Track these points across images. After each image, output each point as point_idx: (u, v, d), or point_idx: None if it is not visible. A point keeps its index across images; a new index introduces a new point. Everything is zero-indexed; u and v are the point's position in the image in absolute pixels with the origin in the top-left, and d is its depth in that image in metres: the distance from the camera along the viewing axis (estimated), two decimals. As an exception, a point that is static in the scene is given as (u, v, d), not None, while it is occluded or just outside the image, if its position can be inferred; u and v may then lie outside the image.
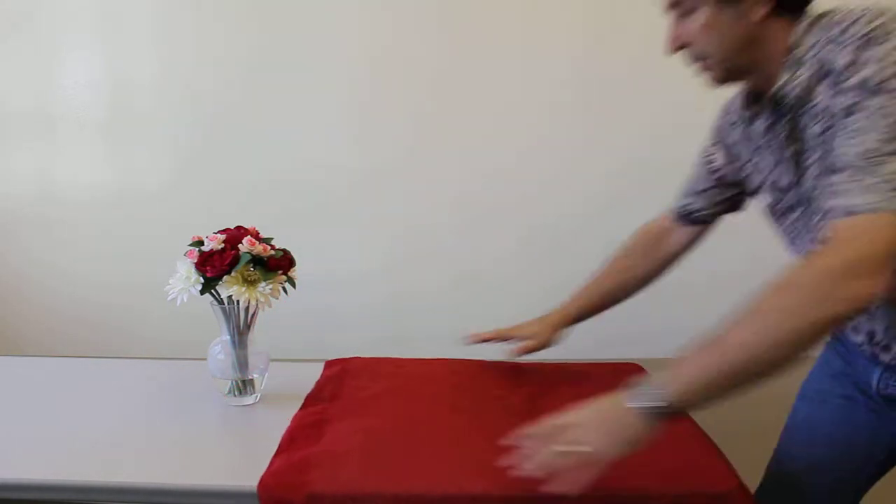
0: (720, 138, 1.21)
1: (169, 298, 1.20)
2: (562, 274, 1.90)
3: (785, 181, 1.06)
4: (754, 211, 1.20)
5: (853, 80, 0.88)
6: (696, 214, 1.29)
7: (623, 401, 0.90)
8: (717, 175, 1.23)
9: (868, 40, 0.88)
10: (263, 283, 1.21)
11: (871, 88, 0.86)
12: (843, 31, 0.91)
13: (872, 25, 0.88)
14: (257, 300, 1.19)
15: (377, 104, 1.88)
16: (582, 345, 1.45)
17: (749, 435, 1.38)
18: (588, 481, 0.88)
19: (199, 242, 1.23)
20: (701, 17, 0.97)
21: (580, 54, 1.80)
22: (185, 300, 1.19)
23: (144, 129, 1.92)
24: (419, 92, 1.87)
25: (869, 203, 0.83)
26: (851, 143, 0.87)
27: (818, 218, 1.01)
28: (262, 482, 0.96)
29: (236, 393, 1.27)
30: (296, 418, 1.17)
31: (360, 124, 1.89)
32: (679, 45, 1.02)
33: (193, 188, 1.93)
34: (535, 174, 1.88)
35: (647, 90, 1.79)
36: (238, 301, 1.20)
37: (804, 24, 0.96)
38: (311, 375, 1.40)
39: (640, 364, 1.47)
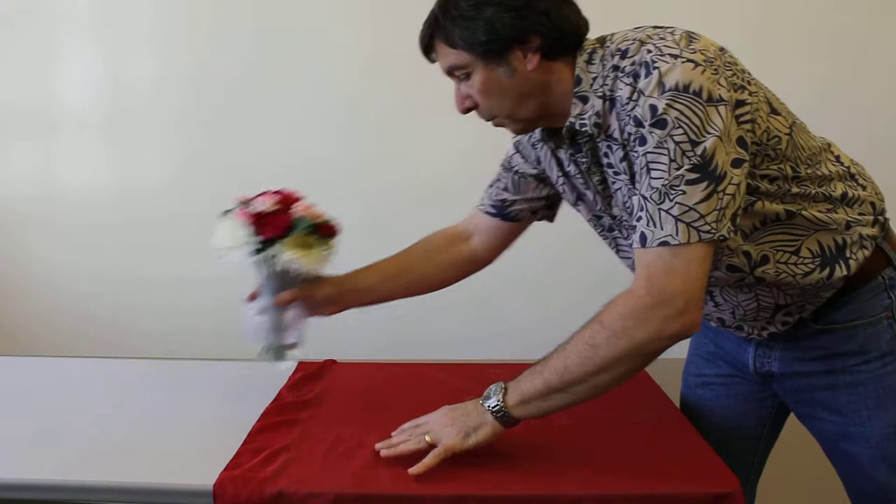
0: (522, 153, 1.21)
1: (217, 257, 1.16)
2: (563, 277, 1.91)
3: (596, 208, 1.10)
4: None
5: (633, 113, 0.91)
6: (511, 210, 1.25)
7: (474, 401, 1.02)
8: (523, 179, 1.22)
9: (636, 74, 0.91)
10: (319, 249, 1.18)
11: (651, 122, 0.89)
12: (622, 59, 0.94)
13: (640, 56, 0.91)
14: (313, 265, 1.17)
15: (378, 103, 1.88)
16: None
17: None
18: (433, 464, 0.97)
19: (247, 202, 1.19)
20: (477, 80, 0.99)
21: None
22: (236, 261, 1.15)
23: (144, 128, 1.92)
24: (420, 90, 1.86)
25: (658, 237, 0.89)
26: (643, 174, 0.91)
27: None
28: (220, 481, 0.96)
29: (274, 356, 1.25)
30: (261, 419, 1.17)
31: (360, 123, 1.89)
32: (467, 108, 1.04)
33: (193, 188, 1.94)
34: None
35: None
36: (277, 262, 1.17)
37: (583, 57, 0.98)
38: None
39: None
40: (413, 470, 0.97)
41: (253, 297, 1.25)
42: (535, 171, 1.20)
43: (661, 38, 0.92)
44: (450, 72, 1.03)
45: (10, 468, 1.02)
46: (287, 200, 1.18)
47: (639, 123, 0.90)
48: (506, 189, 1.25)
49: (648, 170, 0.90)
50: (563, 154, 1.09)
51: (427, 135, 1.89)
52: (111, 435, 1.14)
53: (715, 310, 1.12)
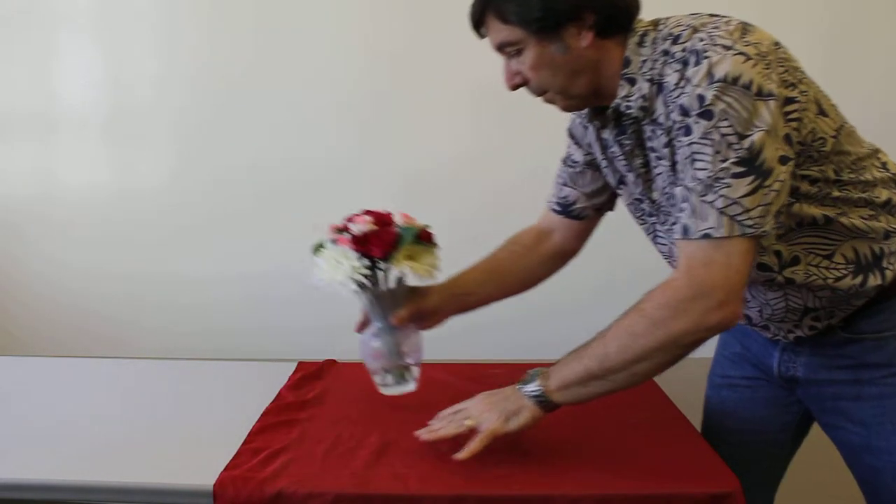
0: (575, 138, 1.21)
1: (330, 291, 1.13)
2: (565, 276, 1.91)
3: (636, 191, 1.09)
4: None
5: (679, 101, 0.90)
6: (574, 208, 1.25)
7: (512, 386, 1.02)
8: (578, 169, 1.22)
9: (685, 61, 0.90)
10: (427, 256, 1.16)
11: (697, 112, 0.88)
12: (674, 44, 0.93)
13: (691, 44, 0.90)
14: (427, 273, 1.14)
15: (379, 103, 1.88)
16: (572, 345, 1.45)
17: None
18: (479, 448, 0.98)
19: (342, 229, 1.16)
20: (529, 56, 0.99)
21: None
22: (351, 290, 1.12)
23: (144, 128, 1.92)
24: (421, 91, 1.87)
25: (700, 228, 0.88)
26: (686, 165, 0.90)
27: (670, 225, 1.04)
28: (220, 481, 0.97)
29: (397, 381, 1.21)
30: (260, 419, 1.17)
31: (360, 123, 1.89)
32: (516, 84, 1.03)
33: (193, 187, 1.93)
34: (540, 175, 1.88)
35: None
36: (388, 281, 1.15)
37: (634, 39, 0.98)
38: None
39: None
40: (459, 455, 0.98)
41: (363, 326, 1.23)
42: (587, 159, 1.20)
43: (715, 27, 0.91)
44: (500, 48, 1.01)
45: (10, 468, 1.02)
46: (382, 216, 1.16)
47: (685, 112, 0.89)
48: (565, 184, 1.25)
49: (692, 160, 0.89)
50: (607, 135, 1.08)
51: (430, 132, 1.89)
52: (111, 435, 1.14)
53: (742, 306, 1.10)
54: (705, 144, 0.88)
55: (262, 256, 1.94)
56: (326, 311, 1.93)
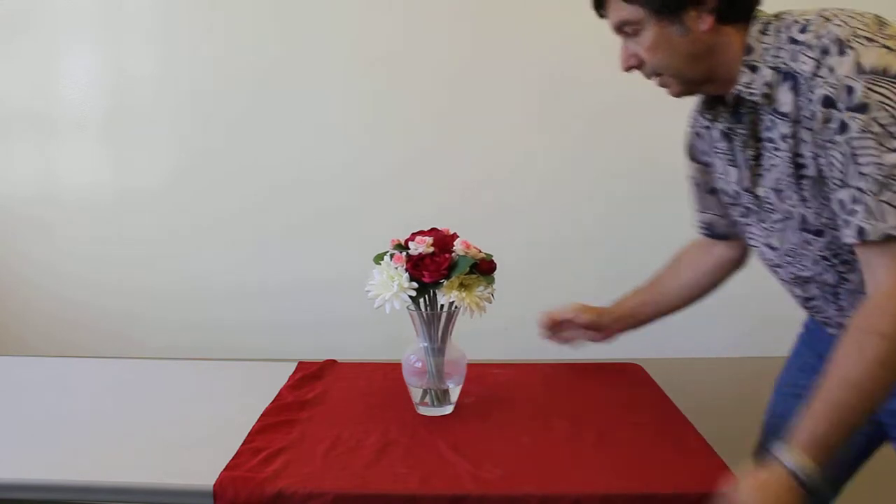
0: (692, 154, 1.21)
1: (376, 306, 1.12)
2: (566, 276, 1.91)
3: (741, 185, 1.06)
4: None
5: (822, 91, 0.88)
6: (717, 230, 1.26)
7: (777, 474, 0.89)
8: (703, 187, 1.22)
9: (825, 49, 0.88)
10: (481, 288, 1.14)
11: (851, 106, 0.86)
12: (802, 32, 0.91)
13: (829, 33, 0.88)
14: (476, 305, 1.13)
15: (381, 105, 1.88)
16: (582, 345, 1.46)
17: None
18: None
19: (401, 246, 1.16)
20: (648, 36, 0.98)
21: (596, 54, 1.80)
22: (397, 307, 1.12)
23: (144, 129, 1.92)
24: (423, 93, 1.87)
25: (882, 230, 0.85)
26: (847, 163, 0.87)
27: (773, 222, 1.02)
28: (220, 481, 0.97)
29: (434, 402, 1.20)
30: (260, 419, 1.17)
31: (363, 125, 1.89)
32: (631, 65, 1.02)
33: (193, 188, 1.93)
34: (546, 176, 1.89)
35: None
36: (442, 307, 1.14)
37: (758, 26, 0.96)
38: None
39: (640, 364, 1.47)
40: None
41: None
42: (705, 178, 1.19)
43: (851, 17, 0.89)
44: (619, 27, 1.00)
45: (10, 468, 1.02)
46: (444, 240, 1.14)
47: (830, 104, 0.87)
48: (700, 210, 1.25)
49: (854, 158, 0.86)
50: (718, 127, 1.06)
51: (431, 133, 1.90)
52: (111, 435, 1.14)
53: (837, 313, 1.06)
54: (867, 139, 0.85)
55: (262, 256, 1.94)
56: (327, 311, 1.94)
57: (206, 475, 0.98)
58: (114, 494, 0.99)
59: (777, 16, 0.97)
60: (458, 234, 1.19)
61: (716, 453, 1.06)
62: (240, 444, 1.08)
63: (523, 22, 1.81)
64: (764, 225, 1.05)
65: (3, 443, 1.11)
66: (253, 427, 1.14)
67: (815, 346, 1.19)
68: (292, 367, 1.43)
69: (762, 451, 1.25)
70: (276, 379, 1.35)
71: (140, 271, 1.97)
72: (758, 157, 1.01)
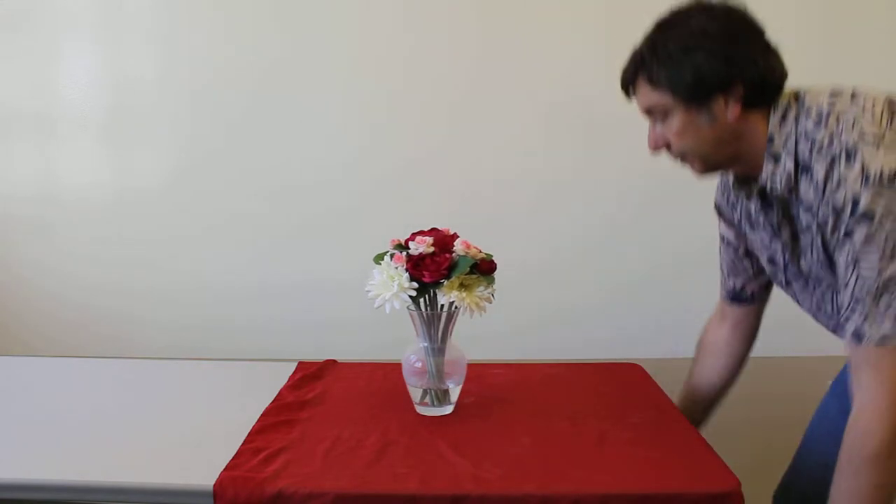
0: (725, 216, 1.20)
1: (376, 306, 1.13)
2: (566, 276, 1.91)
3: (783, 259, 1.08)
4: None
5: (833, 198, 0.90)
6: (744, 292, 1.24)
7: None
8: (738, 249, 1.21)
9: (835, 157, 0.90)
10: (481, 288, 1.14)
11: (856, 215, 0.88)
12: (817, 125, 0.93)
13: (840, 136, 0.90)
14: (476, 305, 1.13)
15: (381, 105, 1.88)
16: (582, 345, 1.46)
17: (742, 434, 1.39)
18: None
19: (401, 246, 1.16)
20: (676, 122, 0.99)
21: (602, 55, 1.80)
22: (397, 307, 1.12)
23: (144, 129, 1.92)
24: (424, 94, 1.87)
25: (877, 335, 0.88)
26: (850, 268, 0.90)
27: (821, 290, 1.04)
28: (220, 481, 0.97)
29: (434, 402, 1.21)
30: (260, 419, 1.17)
31: (363, 126, 1.89)
32: (659, 146, 1.03)
33: (193, 188, 1.93)
34: (547, 178, 1.89)
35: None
36: (443, 307, 1.15)
37: (778, 115, 0.97)
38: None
39: (640, 364, 1.48)
40: None
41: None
42: (736, 239, 1.19)
43: (863, 110, 0.91)
44: (648, 111, 1.02)
45: (10, 468, 1.02)
46: (444, 240, 1.14)
47: (839, 210, 0.90)
48: (730, 274, 1.24)
49: (856, 263, 0.89)
50: (753, 204, 1.08)
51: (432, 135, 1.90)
52: (111, 435, 1.14)
53: None
54: (870, 246, 0.88)
55: (262, 257, 1.94)
56: (326, 312, 1.94)
57: (206, 475, 0.98)
58: (114, 494, 0.99)
59: (796, 96, 0.98)
60: (458, 234, 1.19)
61: (716, 453, 1.06)
62: (240, 444, 1.08)
63: (526, 24, 1.81)
64: (809, 292, 1.07)
65: (3, 443, 1.11)
66: (253, 427, 1.14)
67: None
68: (292, 367, 1.43)
69: (805, 451, 1.24)
70: (276, 379, 1.35)
71: (140, 271, 1.97)
72: (795, 238, 1.03)
